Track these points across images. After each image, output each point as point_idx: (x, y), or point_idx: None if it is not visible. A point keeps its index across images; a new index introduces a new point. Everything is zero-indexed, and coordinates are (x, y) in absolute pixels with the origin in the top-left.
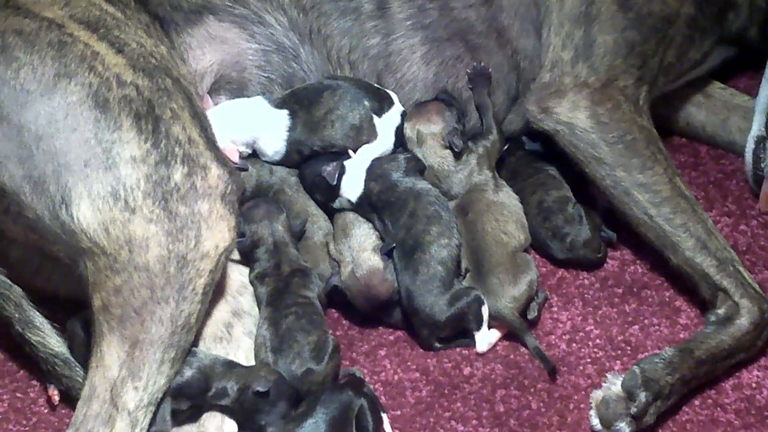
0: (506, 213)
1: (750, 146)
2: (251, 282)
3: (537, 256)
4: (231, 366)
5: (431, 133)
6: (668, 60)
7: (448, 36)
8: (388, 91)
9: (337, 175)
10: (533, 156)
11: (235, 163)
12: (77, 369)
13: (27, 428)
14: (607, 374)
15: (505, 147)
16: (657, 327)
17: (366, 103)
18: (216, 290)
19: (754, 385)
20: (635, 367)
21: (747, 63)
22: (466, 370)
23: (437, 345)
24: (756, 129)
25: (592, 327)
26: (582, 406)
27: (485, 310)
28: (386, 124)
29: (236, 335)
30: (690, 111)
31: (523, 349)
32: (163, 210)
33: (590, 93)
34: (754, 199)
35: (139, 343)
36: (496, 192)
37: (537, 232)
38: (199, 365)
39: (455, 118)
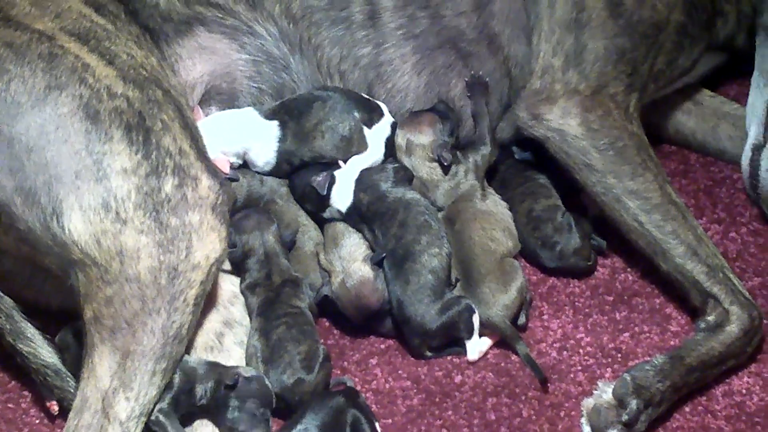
0: (493, 221)
1: (747, 155)
2: (242, 292)
3: (527, 265)
4: (213, 366)
5: (420, 144)
6: (658, 67)
7: (440, 44)
8: (378, 102)
9: (327, 185)
10: (523, 165)
11: (226, 174)
12: (69, 380)
13: None
14: (598, 382)
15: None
16: (647, 334)
17: (356, 114)
18: (207, 300)
19: (744, 391)
20: (626, 374)
21: (736, 71)
22: (458, 379)
23: (428, 353)
24: (753, 137)
25: (583, 335)
26: (573, 413)
27: (476, 319)
28: (376, 135)
29: (227, 345)
30: (680, 119)
31: (514, 357)
32: (154, 221)
33: (581, 100)
34: (744, 206)
35: (131, 354)
36: (483, 200)
37: (527, 241)
38: (182, 367)
39: (448, 131)
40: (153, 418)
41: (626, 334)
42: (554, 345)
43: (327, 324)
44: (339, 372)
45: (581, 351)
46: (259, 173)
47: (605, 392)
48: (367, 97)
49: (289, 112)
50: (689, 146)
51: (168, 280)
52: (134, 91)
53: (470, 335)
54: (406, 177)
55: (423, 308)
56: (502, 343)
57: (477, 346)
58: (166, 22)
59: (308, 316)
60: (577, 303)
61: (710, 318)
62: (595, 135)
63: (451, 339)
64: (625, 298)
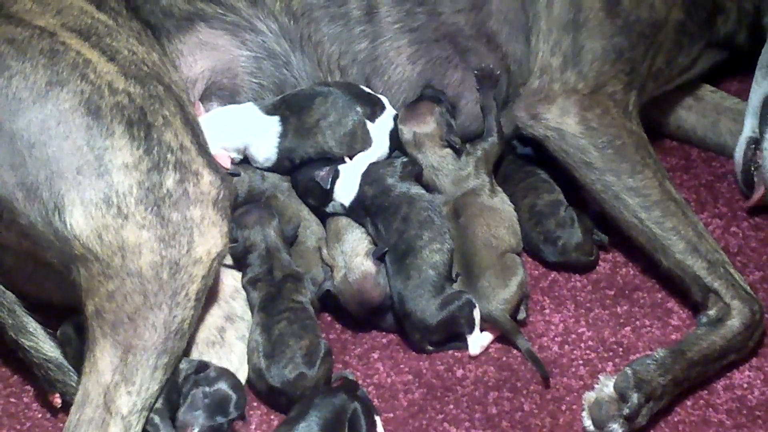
0: (498, 218)
1: (741, 147)
2: (244, 287)
3: (529, 260)
4: (191, 363)
5: (427, 133)
6: (657, 65)
7: (437, 39)
8: (378, 95)
9: (330, 180)
10: (524, 160)
11: (227, 169)
12: (71, 374)
13: None
14: (599, 376)
15: None
16: (649, 328)
17: (358, 108)
18: (209, 295)
19: (745, 385)
20: (627, 368)
21: (737, 66)
22: (459, 373)
23: (429, 348)
24: (748, 131)
25: (584, 329)
26: (574, 407)
27: (477, 314)
28: (380, 129)
29: (229, 340)
30: (681, 114)
31: (515, 351)
32: (156, 216)
33: (579, 99)
34: (745, 201)
35: (133, 348)
36: (491, 197)
37: (529, 236)
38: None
39: (447, 113)
40: (150, 417)
41: (627, 329)
42: (556, 339)
43: (329, 318)
44: (341, 366)
45: (583, 345)
46: (260, 169)
47: (606, 386)
48: (368, 90)
49: (290, 108)
50: (690, 141)
51: (169, 275)
52: (135, 87)
53: (471, 330)
54: (413, 172)
55: (424, 303)
56: (504, 337)
57: (478, 340)
58: (168, 18)
59: (310, 311)
60: (578, 297)
61: (711, 312)
62: (594, 133)
63: (453, 334)
64: (627, 292)
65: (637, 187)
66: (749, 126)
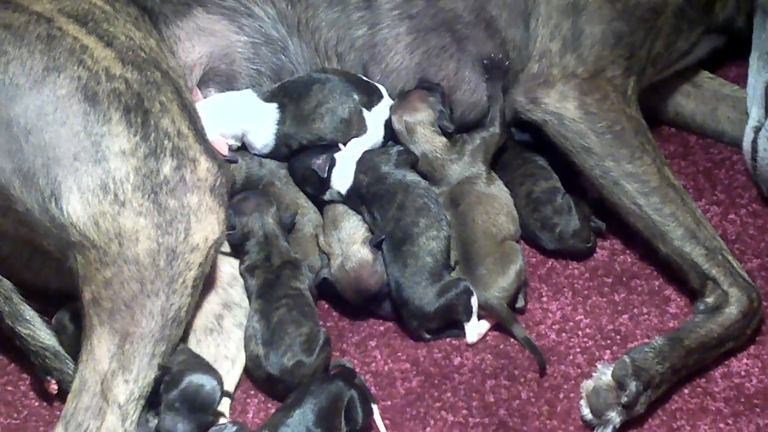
0: (497, 205)
1: (748, 136)
2: (241, 274)
3: (526, 247)
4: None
5: (419, 121)
6: (656, 50)
7: (435, 26)
8: (377, 84)
9: (327, 168)
10: (522, 147)
11: (225, 156)
12: (68, 362)
13: (18, 421)
14: (597, 364)
15: None
16: (646, 316)
17: (355, 96)
18: (206, 282)
19: (743, 373)
20: (625, 356)
21: (736, 52)
22: (456, 361)
23: (427, 336)
24: (753, 119)
25: (582, 317)
26: (572, 395)
27: (474, 301)
28: (376, 118)
29: (227, 327)
30: (679, 101)
31: (513, 339)
32: (153, 203)
33: (578, 83)
34: (744, 188)
35: (130, 336)
36: (488, 185)
37: (526, 223)
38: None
39: (440, 100)
40: None
41: (625, 316)
42: (553, 327)
43: (326, 306)
44: (338, 354)
45: (580, 333)
46: (257, 155)
47: (604, 374)
48: (366, 79)
49: (288, 95)
50: (689, 128)
51: (167, 262)
52: (133, 73)
53: (469, 317)
54: (408, 160)
55: (421, 291)
56: (501, 325)
57: (476, 328)
58: (165, 4)
59: (308, 298)
60: (576, 285)
61: (709, 300)
62: (593, 118)
63: (450, 321)
64: (624, 279)
65: (635, 173)
66: (754, 114)
